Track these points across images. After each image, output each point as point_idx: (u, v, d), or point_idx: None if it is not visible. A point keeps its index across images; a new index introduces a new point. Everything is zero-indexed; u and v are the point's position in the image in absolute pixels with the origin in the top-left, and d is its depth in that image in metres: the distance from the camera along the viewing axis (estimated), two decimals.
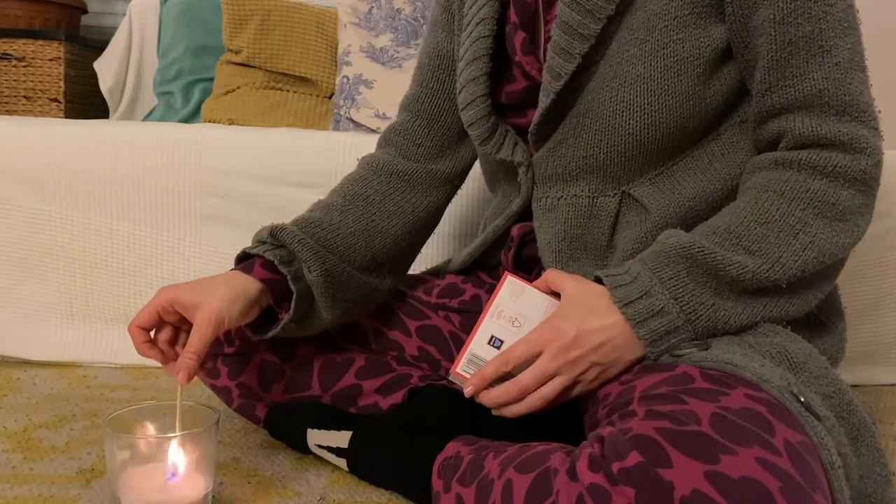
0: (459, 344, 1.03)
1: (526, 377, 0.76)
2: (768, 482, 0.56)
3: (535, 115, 0.86)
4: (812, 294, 0.79)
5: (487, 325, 0.82)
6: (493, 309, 0.82)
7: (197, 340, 0.80)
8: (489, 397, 0.78)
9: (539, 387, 0.76)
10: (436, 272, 1.12)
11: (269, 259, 0.88)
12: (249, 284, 0.86)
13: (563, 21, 0.81)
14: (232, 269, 0.89)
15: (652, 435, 0.60)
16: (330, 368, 1.01)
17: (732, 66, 0.82)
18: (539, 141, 0.88)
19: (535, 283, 0.83)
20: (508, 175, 0.97)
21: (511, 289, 0.83)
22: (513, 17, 0.91)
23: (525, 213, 0.96)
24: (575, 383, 0.76)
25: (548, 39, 0.85)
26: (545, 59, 0.86)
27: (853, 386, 0.78)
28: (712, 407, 0.63)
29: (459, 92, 0.95)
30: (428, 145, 1.03)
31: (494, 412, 0.79)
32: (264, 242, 0.91)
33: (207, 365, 1.00)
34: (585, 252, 0.87)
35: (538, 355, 0.75)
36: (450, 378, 0.83)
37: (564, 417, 0.89)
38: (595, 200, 0.86)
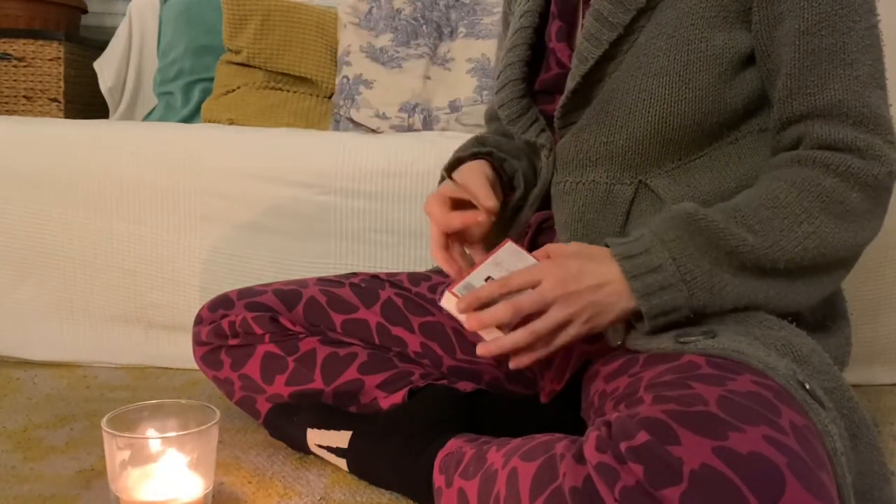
0: (462, 341, 1.04)
1: (523, 299, 0.76)
2: (776, 458, 0.57)
3: (561, 99, 0.89)
4: (811, 289, 0.80)
5: (486, 268, 0.82)
6: (492, 259, 0.83)
7: (479, 187, 0.89)
8: (480, 317, 0.77)
9: (533, 312, 0.76)
10: (440, 270, 1.13)
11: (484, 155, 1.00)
12: (483, 167, 0.96)
13: (595, 9, 0.85)
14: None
15: (660, 416, 0.61)
16: (333, 362, 1.01)
17: (754, 72, 0.84)
18: (563, 127, 0.91)
19: (534, 252, 0.84)
20: (535, 159, 0.99)
21: (511, 250, 0.84)
22: (552, 7, 0.96)
23: (543, 201, 0.97)
24: (566, 323, 0.76)
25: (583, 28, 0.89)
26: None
27: (853, 386, 0.78)
28: (719, 390, 0.64)
29: (497, 76, 0.99)
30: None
31: (479, 349, 0.78)
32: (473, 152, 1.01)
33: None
34: (599, 236, 0.89)
35: (537, 285, 0.76)
36: (441, 304, 0.82)
37: (565, 418, 0.89)
38: (611, 188, 0.88)
